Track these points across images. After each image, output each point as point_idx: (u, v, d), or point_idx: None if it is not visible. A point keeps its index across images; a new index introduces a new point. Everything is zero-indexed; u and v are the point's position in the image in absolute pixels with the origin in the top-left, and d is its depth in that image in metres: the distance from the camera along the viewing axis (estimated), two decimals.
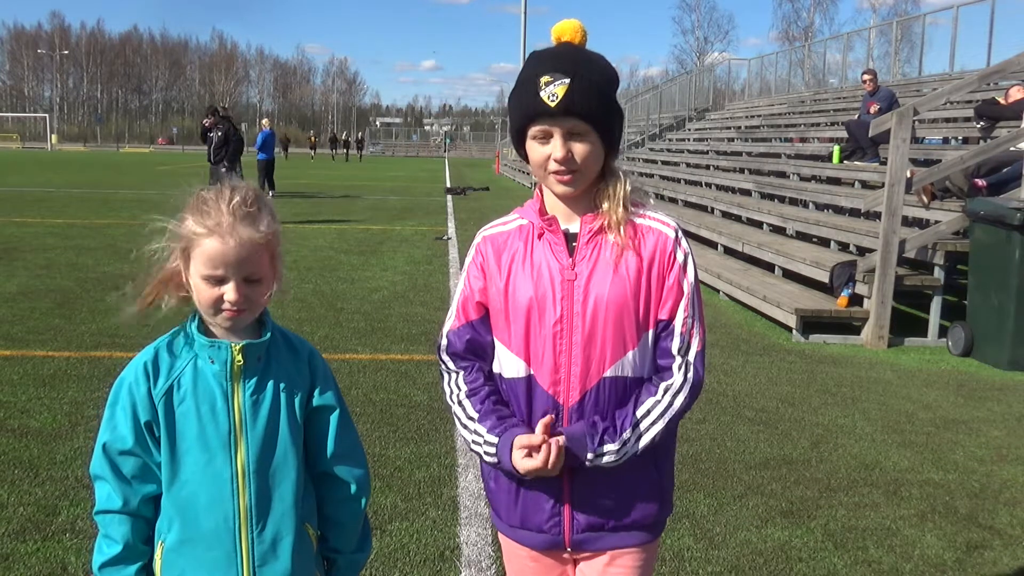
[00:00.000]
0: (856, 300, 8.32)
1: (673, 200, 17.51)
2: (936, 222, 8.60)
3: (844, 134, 14.25)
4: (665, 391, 1.85)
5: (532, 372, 1.87)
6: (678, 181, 19.96)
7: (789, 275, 9.96)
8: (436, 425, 5.22)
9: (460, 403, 1.92)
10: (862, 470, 4.83)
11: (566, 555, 1.96)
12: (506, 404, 1.91)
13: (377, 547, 3.59)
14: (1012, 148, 8.78)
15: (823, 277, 8.89)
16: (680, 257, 1.86)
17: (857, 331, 8.19)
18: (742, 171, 17.09)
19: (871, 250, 8.53)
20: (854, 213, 11.34)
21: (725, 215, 14.63)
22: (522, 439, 1.81)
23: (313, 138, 69.63)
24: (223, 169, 16.14)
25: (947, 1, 18.83)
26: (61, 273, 10.16)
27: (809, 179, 14.36)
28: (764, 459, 4.93)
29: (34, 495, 4.05)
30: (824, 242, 10.86)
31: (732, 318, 9.09)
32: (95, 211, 18.03)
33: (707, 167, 19.67)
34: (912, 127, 9.82)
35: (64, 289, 9.16)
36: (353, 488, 1.85)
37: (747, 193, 15.42)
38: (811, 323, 8.21)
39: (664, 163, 23.64)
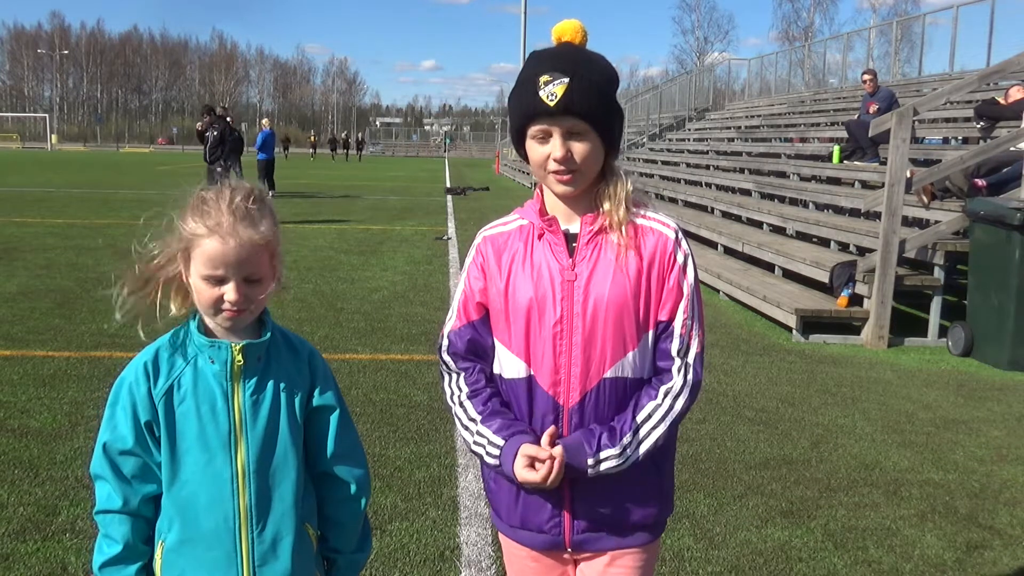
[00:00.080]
0: (856, 300, 8.32)
1: (673, 200, 17.51)
2: (936, 222, 8.61)
3: (844, 134, 14.24)
4: (665, 394, 1.85)
5: (532, 373, 1.87)
6: (678, 181, 19.96)
7: (789, 275, 9.96)
8: (436, 425, 5.22)
9: (461, 404, 1.92)
10: (862, 470, 4.83)
11: (566, 555, 1.96)
12: (508, 406, 1.91)
13: (377, 547, 3.59)
14: (1012, 148, 8.78)
15: (823, 277, 8.89)
16: (680, 258, 1.86)
17: (857, 331, 8.19)
18: (742, 171, 17.09)
19: (871, 250, 8.53)
20: (854, 213, 11.34)
21: (725, 215, 14.63)
22: (528, 449, 1.80)
23: (313, 138, 69.68)
24: (219, 169, 16.12)
25: (947, 1, 18.83)
26: (61, 273, 10.16)
27: (809, 179, 14.36)
28: (764, 459, 4.93)
29: (34, 495, 4.05)
30: (824, 242, 10.86)
31: (732, 318, 9.09)
32: (95, 211, 18.03)
33: (707, 167, 19.67)
34: (912, 127, 9.83)
35: (64, 289, 9.16)
36: (353, 488, 1.85)
37: (747, 193, 15.42)
38: (811, 323, 8.22)
39: (664, 163, 23.64)
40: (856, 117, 14.14)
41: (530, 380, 1.87)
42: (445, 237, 14.96)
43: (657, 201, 15.20)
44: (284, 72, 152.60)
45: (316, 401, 1.82)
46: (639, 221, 1.87)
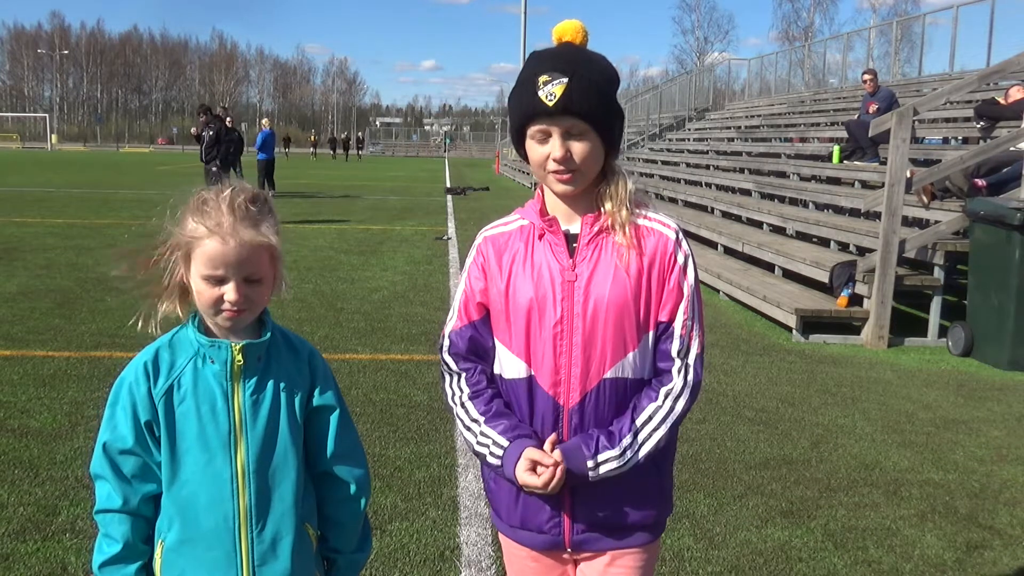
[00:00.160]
0: (856, 300, 8.32)
1: (673, 200, 17.51)
2: (936, 222, 8.61)
3: (844, 134, 14.24)
4: (666, 396, 1.85)
5: (533, 373, 1.86)
6: (678, 181, 19.96)
7: (789, 275, 9.96)
8: (436, 425, 5.22)
9: (463, 404, 1.92)
10: (862, 470, 4.83)
11: (566, 555, 1.96)
12: (509, 407, 1.91)
13: (377, 547, 3.59)
14: (1012, 148, 8.78)
15: (823, 277, 8.89)
16: (681, 259, 1.86)
17: (857, 331, 8.19)
18: (742, 171, 17.09)
19: (871, 250, 8.53)
20: (854, 213, 11.34)
21: (725, 215, 14.63)
22: (532, 453, 1.80)
23: (314, 138, 69.78)
24: (214, 168, 16.11)
25: (947, 1, 18.83)
26: (61, 273, 10.16)
27: (809, 179, 14.36)
28: (764, 459, 4.93)
29: (34, 495, 4.05)
30: (824, 242, 10.86)
31: (732, 318, 9.09)
32: (95, 211, 18.03)
33: (707, 167, 19.67)
34: (912, 127, 9.83)
35: (64, 289, 9.16)
36: (353, 488, 1.85)
37: (747, 193, 15.42)
38: (811, 323, 8.22)
39: (664, 163, 23.64)
40: (856, 117, 14.14)
41: (530, 380, 1.87)
42: (445, 237, 14.96)
43: (657, 201, 15.21)
44: (284, 72, 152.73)
45: (316, 401, 1.82)
46: (640, 221, 1.87)
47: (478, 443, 1.88)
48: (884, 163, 9.68)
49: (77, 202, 20.17)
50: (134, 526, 1.74)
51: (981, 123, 11.45)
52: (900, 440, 5.37)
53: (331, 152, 64.14)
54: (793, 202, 13.50)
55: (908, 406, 6.13)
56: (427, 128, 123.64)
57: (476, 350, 1.94)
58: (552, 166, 1.80)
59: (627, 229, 1.83)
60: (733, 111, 27.40)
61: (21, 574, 3.35)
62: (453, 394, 1.95)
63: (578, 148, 1.79)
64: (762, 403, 6.03)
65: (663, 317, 1.86)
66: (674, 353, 1.86)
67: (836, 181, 13.34)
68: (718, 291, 10.22)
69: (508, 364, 1.90)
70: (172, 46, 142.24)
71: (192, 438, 1.72)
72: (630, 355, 1.84)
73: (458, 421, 1.93)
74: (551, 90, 1.75)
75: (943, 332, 8.09)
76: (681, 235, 1.89)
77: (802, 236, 11.44)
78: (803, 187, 13.58)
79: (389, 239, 14.67)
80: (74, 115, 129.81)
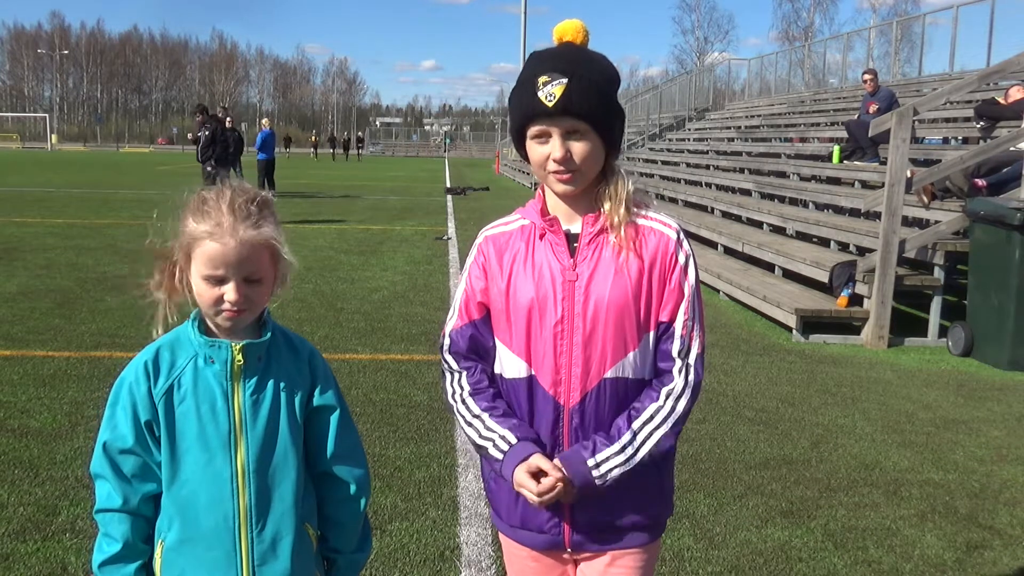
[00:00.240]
0: (856, 300, 8.32)
1: (673, 200, 17.51)
2: (936, 222, 8.61)
3: (844, 134, 14.24)
4: (667, 396, 1.85)
5: (533, 372, 1.86)
6: (678, 181, 19.96)
7: (789, 275, 9.96)
8: (436, 425, 5.22)
9: (463, 401, 1.92)
10: (862, 470, 4.83)
11: (566, 555, 1.96)
12: (510, 408, 1.91)
13: (377, 547, 3.59)
14: (1012, 148, 8.78)
15: (823, 277, 8.89)
16: (682, 259, 1.86)
17: (857, 331, 8.19)
18: (742, 171, 17.09)
19: (871, 250, 8.53)
20: (854, 213, 11.34)
21: (725, 215, 14.63)
22: (540, 460, 1.80)
23: (315, 138, 69.85)
24: (209, 168, 16.11)
25: (947, 1, 18.83)
26: (61, 273, 10.16)
27: (809, 179, 14.36)
28: (764, 459, 4.93)
29: (34, 495, 4.05)
30: (824, 242, 10.86)
31: (732, 318, 9.09)
32: (95, 211, 18.03)
33: (707, 167, 19.67)
34: (912, 127, 9.83)
35: (64, 289, 9.16)
36: (353, 488, 1.85)
37: (747, 193, 15.42)
38: (811, 323, 8.22)
39: (664, 163, 23.64)
40: (856, 117, 14.14)
41: (531, 380, 1.87)
42: (445, 237, 14.96)
43: (657, 201, 15.17)
44: (284, 72, 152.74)
45: (316, 401, 1.82)
46: (640, 221, 1.87)
47: (481, 436, 1.87)
48: (884, 163, 9.68)
49: (77, 202, 20.16)
50: (134, 526, 1.74)
51: (981, 123, 11.45)
52: (900, 440, 5.37)
53: (331, 152, 64.15)
54: (793, 202, 13.50)
55: (908, 406, 6.13)
56: (427, 128, 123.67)
57: (476, 349, 1.94)
58: (552, 166, 1.80)
59: (625, 229, 1.83)
60: (733, 111, 27.40)
61: (21, 574, 3.35)
62: (453, 392, 1.94)
63: (578, 148, 1.79)
64: (762, 403, 6.03)
65: (664, 317, 1.85)
66: (675, 353, 1.85)
67: (836, 181, 13.34)
68: (718, 291, 10.22)
69: (508, 363, 1.90)
70: (172, 46, 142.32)
71: (192, 438, 1.72)
72: (630, 355, 1.84)
73: (458, 417, 1.93)
74: (551, 91, 1.75)
75: (943, 332, 8.09)
76: (682, 235, 1.89)
77: (802, 236, 11.44)
78: (803, 187, 13.58)
79: (389, 239, 14.67)
80: (74, 115, 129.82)
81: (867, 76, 14.30)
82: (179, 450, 1.72)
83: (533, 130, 1.81)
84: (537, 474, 1.79)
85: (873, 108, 13.36)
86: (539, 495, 1.79)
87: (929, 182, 8.81)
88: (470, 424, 1.90)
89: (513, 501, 1.91)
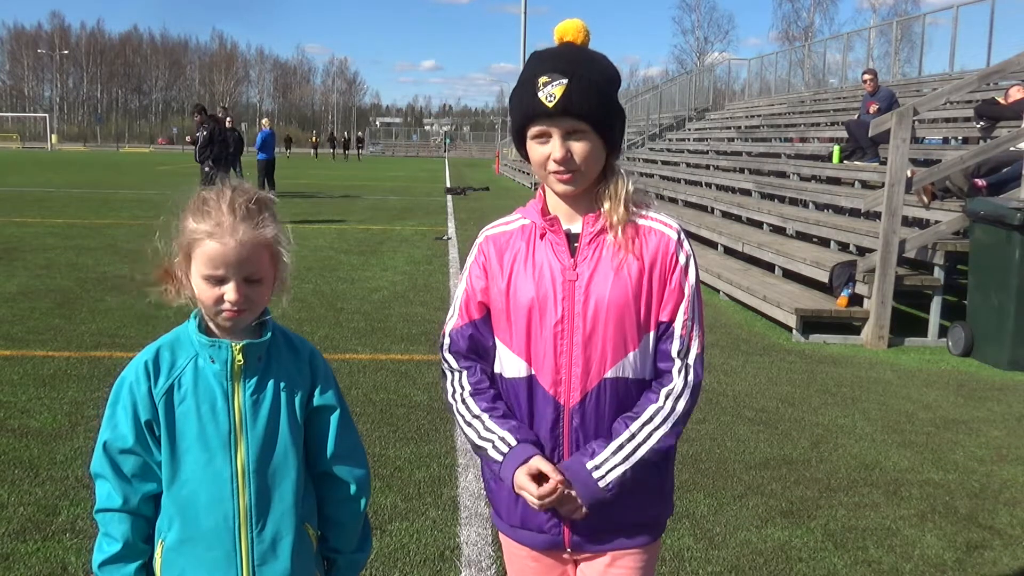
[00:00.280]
0: (856, 300, 8.32)
1: (673, 200, 17.51)
2: (936, 222, 8.61)
3: (844, 134, 14.25)
4: (667, 396, 1.84)
5: (533, 372, 1.86)
6: (678, 181, 19.97)
7: (789, 275, 9.96)
8: (436, 425, 5.22)
9: (463, 401, 1.92)
10: (862, 470, 4.83)
11: (566, 555, 1.96)
12: (511, 409, 1.91)
13: (377, 547, 3.59)
14: (1012, 148, 8.78)
15: (823, 277, 8.89)
16: (682, 259, 1.86)
17: (857, 331, 8.19)
18: (742, 171, 17.09)
19: (871, 250, 8.53)
20: (854, 213, 11.34)
21: (725, 215, 14.63)
22: (541, 463, 1.80)
23: (315, 138, 69.91)
24: (206, 168, 16.10)
25: (947, 1, 18.83)
26: (61, 273, 10.16)
27: (809, 179, 14.36)
28: (764, 459, 4.93)
29: (34, 495, 4.05)
30: (824, 242, 10.86)
31: (732, 318, 9.09)
32: (95, 211, 18.03)
33: (707, 167, 19.67)
34: (912, 127, 9.83)
35: (64, 289, 9.16)
36: (353, 488, 1.85)
37: (747, 193, 15.42)
38: (811, 323, 8.22)
39: (664, 163, 23.64)
40: (856, 117, 14.14)
41: (531, 380, 1.87)
42: (445, 237, 14.96)
43: (657, 201, 15.17)
44: (284, 72, 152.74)
45: (317, 401, 1.82)
46: (641, 222, 1.87)
47: (480, 437, 1.87)
48: (884, 163, 9.68)
49: (77, 202, 20.16)
50: (134, 525, 1.74)
51: (981, 123, 11.45)
52: (900, 440, 5.37)
53: (331, 152, 64.18)
54: (793, 202, 13.51)
55: (908, 406, 6.13)
56: (427, 128, 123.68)
57: (476, 349, 1.94)
58: (552, 166, 1.80)
59: (624, 228, 1.83)
60: (733, 111, 27.40)
61: (21, 574, 3.35)
62: (453, 391, 1.94)
63: (578, 148, 1.79)
64: (762, 403, 6.03)
65: (664, 317, 1.85)
66: (674, 353, 1.85)
67: (836, 181, 13.34)
68: (718, 291, 10.22)
69: (508, 363, 1.90)
70: (172, 46, 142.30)
71: (192, 438, 1.72)
72: (630, 355, 1.84)
73: (458, 417, 1.93)
74: (551, 91, 1.75)
75: (943, 332, 8.09)
76: (683, 235, 1.89)
77: (802, 236, 11.44)
78: (803, 187, 13.58)
79: (389, 239, 14.67)
80: (74, 115, 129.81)
81: (867, 76, 14.30)
82: (179, 450, 1.72)
83: (533, 130, 1.81)
84: (538, 476, 1.79)
85: (873, 108, 13.36)
86: (540, 498, 1.79)
87: (929, 182, 8.81)
88: (469, 424, 1.90)
89: (513, 501, 1.91)
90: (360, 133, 77.58)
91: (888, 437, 5.42)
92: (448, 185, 30.10)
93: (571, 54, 1.81)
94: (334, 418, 1.83)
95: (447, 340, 1.96)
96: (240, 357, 1.73)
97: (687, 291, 1.85)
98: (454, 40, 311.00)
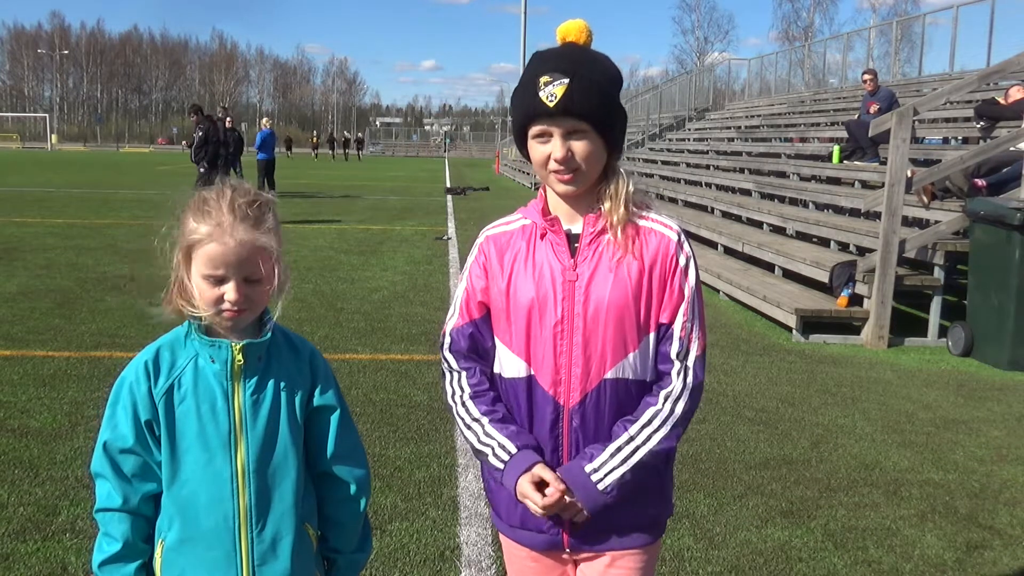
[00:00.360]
0: (856, 300, 8.32)
1: (673, 200, 17.51)
2: (936, 222, 8.61)
3: (844, 134, 14.25)
4: (665, 398, 1.84)
5: (533, 372, 1.86)
6: (678, 181, 19.96)
7: (789, 275, 9.96)
8: (436, 425, 5.22)
9: (463, 403, 1.92)
10: (862, 470, 4.83)
11: (566, 556, 1.95)
12: (510, 411, 1.90)
13: (377, 547, 3.59)
14: (1012, 148, 8.78)
15: (823, 277, 8.89)
16: (682, 261, 1.85)
17: (857, 331, 8.18)
18: (742, 171, 17.09)
19: (871, 250, 8.53)
20: (854, 213, 11.34)
21: (725, 215, 14.63)
22: (542, 471, 1.80)
23: (315, 138, 69.94)
24: (202, 169, 16.10)
25: (947, 1, 18.84)
26: (61, 273, 10.16)
27: (809, 179, 14.36)
28: (764, 459, 4.93)
29: (34, 495, 4.05)
30: (824, 242, 10.86)
31: (732, 318, 9.09)
32: (95, 211, 18.03)
33: (707, 167, 19.67)
34: (912, 127, 9.83)
35: (64, 289, 9.15)
36: (353, 488, 1.85)
37: (747, 193, 15.42)
38: (811, 323, 8.21)
39: (664, 163, 23.64)
40: (856, 117, 14.14)
41: (530, 380, 1.87)
42: (445, 237, 14.96)
43: (657, 201, 15.17)
44: (284, 72, 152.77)
45: (317, 401, 1.82)
46: (641, 222, 1.86)
47: (480, 441, 1.87)
48: (884, 163, 9.68)
49: (77, 202, 20.16)
50: (134, 525, 1.74)
51: (981, 123, 11.45)
52: (900, 440, 5.37)
53: (331, 152, 64.19)
54: (793, 202, 13.51)
55: (908, 406, 6.12)
56: (427, 128, 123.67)
57: (476, 348, 1.94)
58: (553, 166, 1.80)
59: (624, 229, 1.83)
60: (733, 111, 27.41)
61: (21, 574, 3.35)
62: (453, 392, 1.94)
63: (579, 148, 1.79)
64: (762, 403, 6.03)
65: (664, 319, 1.85)
66: (673, 355, 1.85)
67: (836, 181, 13.34)
68: (718, 291, 10.22)
69: (508, 363, 1.90)
70: (172, 46, 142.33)
71: (192, 437, 1.72)
72: (630, 356, 1.84)
73: (458, 419, 1.93)
74: (552, 91, 1.75)
75: (943, 332, 8.09)
76: (683, 236, 1.88)
77: (802, 236, 11.44)
78: (803, 187, 13.58)
79: (389, 239, 14.67)
80: (74, 115, 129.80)
81: (867, 76, 14.30)
82: (179, 450, 1.72)
83: (534, 130, 1.81)
84: (540, 484, 1.80)
85: (873, 108, 13.35)
86: (544, 508, 1.79)
87: (929, 182, 8.81)
88: (469, 427, 1.90)
89: (513, 501, 1.91)
90: (360, 133, 77.62)
91: (888, 437, 5.42)
92: (448, 185, 30.10)
93: (573, 54, 1.81)
94: (334, 418, 1.83)
95: (447, 339, 1.96)
96: (240, 357, 1.73)
97: (687, 293, 1.85)
98: (454, 40, 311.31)
